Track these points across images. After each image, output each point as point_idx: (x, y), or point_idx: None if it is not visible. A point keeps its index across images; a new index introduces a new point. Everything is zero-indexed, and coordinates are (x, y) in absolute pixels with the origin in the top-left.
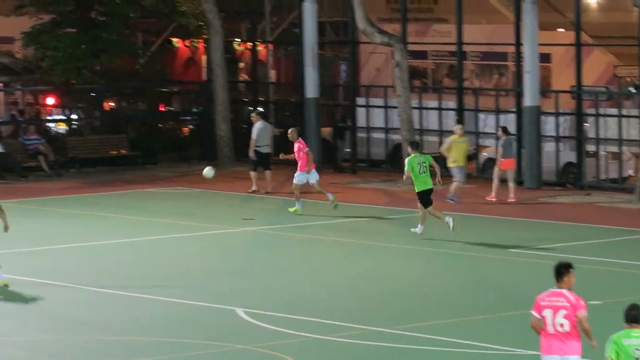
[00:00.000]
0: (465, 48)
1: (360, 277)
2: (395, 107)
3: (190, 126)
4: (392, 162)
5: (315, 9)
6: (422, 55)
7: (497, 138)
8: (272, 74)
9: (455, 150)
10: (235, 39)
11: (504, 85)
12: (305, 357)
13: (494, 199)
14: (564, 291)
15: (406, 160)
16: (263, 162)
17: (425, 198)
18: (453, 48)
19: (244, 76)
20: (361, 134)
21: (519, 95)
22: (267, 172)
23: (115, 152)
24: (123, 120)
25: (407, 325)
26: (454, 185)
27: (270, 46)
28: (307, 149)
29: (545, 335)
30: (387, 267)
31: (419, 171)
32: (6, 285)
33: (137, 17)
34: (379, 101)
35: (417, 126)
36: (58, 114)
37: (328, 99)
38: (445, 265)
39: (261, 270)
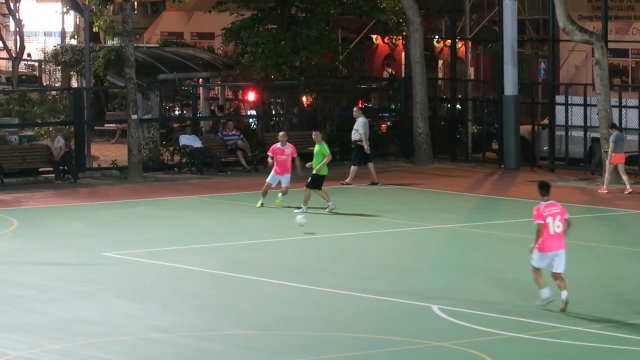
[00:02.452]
0: None
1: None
2: (594, 105)
3: (389, 123)
4: (591, 160)
5: (515, 6)
6: (622, 53)
7: (609, 134)
8: (471, 71)
9: None
10: (435, 36)
11: None
12: (502, 355)
13: (605, 191)
14: (554, 202)
15: (325, 146)
16: (365, 156)
17: (322, 182)
18: None
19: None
20: (559, 132)
21: None
22: (370, 164)
23: (312, 148)
24: (321, 117)
25: (604, 325)
26: None
27: (470, 43)
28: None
29: (547, 237)
30: (582, 265)
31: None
32: None
33: (337, 14)
34: (578, 99)
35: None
36: (257, 110)
37: (527, 97)
38: None
39: (457, 267)
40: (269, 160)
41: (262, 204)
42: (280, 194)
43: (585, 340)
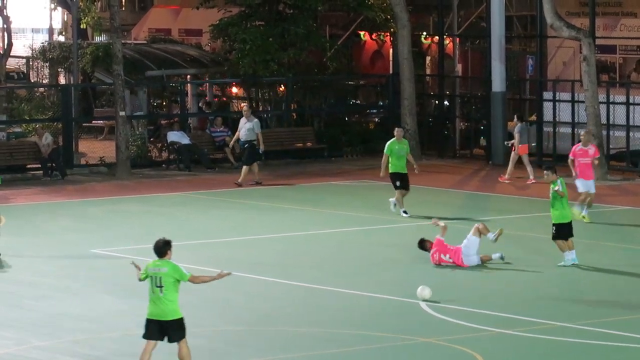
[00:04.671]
0: None
1: (542, 272)
2: (582, 102)
3: (376, 119)
4: None
5: (503, 2)
6: (610, 49)
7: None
8: (459, 68)
9: None
10: (423, 33)
11: None
12: (489, 352)
13: (507, 181)
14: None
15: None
16: (256, 156)
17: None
18: None
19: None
20: (547, 129)
21: None
22: (255, 165)
23: (301, 144)
24: (309, 113)
25: (592, 321)
26: None
27: (457, 40)
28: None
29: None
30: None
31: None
32: None
33: (325, 11)
34: (566, 95)
35: (604, 121)
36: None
37: (514, 93)
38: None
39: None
40: (571, 163)
41: (583, 216)
42: (577, 206)
43: (574, 337)
